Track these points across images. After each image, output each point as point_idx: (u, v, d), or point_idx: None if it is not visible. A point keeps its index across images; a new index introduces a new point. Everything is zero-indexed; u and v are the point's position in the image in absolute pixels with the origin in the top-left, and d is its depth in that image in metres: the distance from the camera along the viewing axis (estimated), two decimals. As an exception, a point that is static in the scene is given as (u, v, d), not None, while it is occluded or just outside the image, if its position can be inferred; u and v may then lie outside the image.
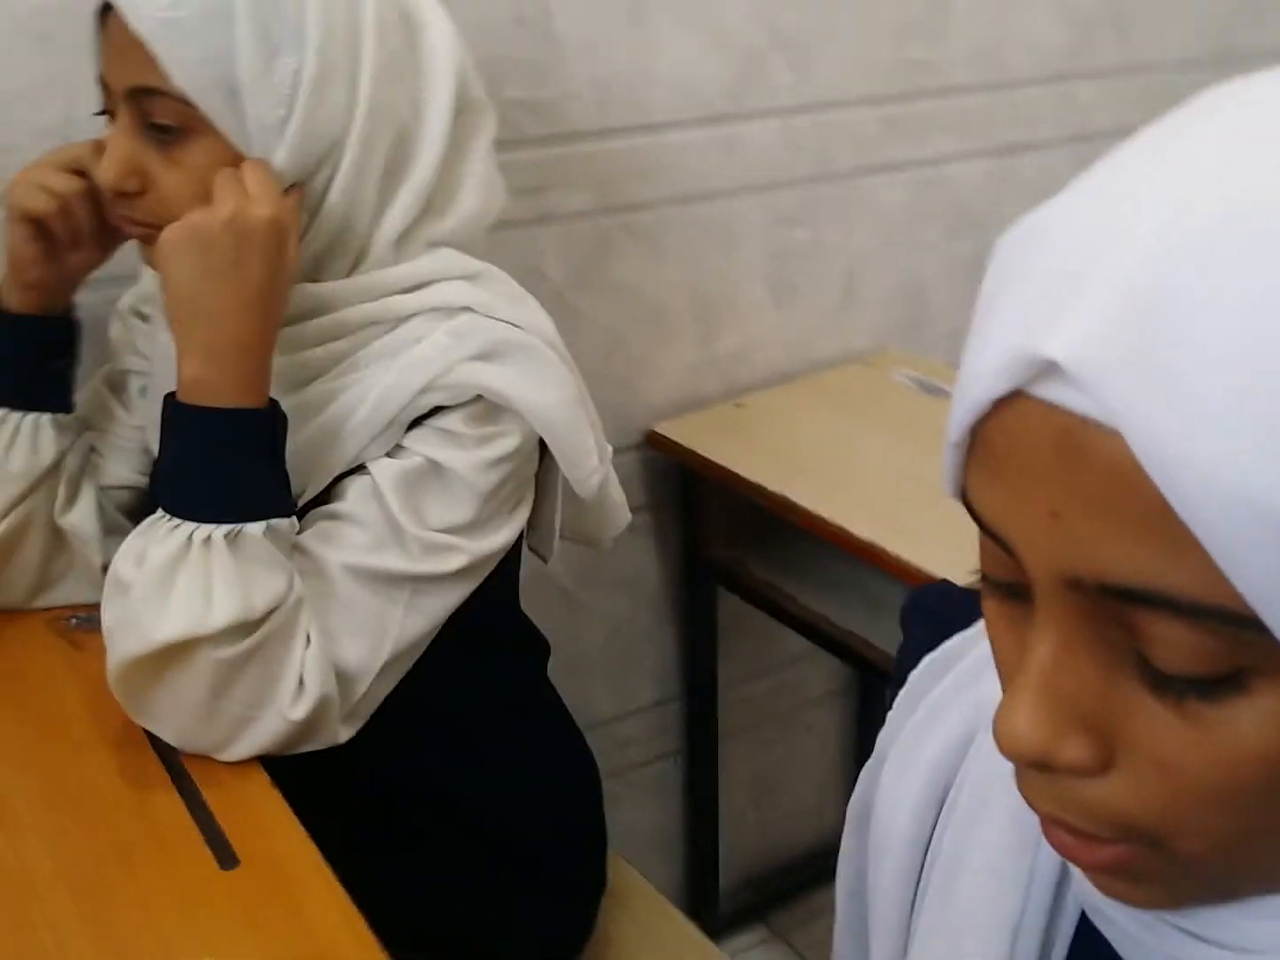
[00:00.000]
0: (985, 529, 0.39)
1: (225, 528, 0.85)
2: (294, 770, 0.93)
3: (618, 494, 1.13)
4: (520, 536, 1.08)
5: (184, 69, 0.85)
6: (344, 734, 0.93)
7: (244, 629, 0.85)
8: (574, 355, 1.03)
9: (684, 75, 1.43)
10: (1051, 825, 0.41)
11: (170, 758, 0.91)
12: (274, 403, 0.90)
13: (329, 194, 0.92)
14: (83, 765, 0.91)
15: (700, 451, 1.45)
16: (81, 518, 1.06)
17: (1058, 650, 0.37)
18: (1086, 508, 0.34)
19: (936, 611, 0.61)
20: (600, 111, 1.38)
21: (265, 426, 0.89)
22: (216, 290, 0.86)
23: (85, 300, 1.05)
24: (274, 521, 0.87)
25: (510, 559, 1.06)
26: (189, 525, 0.85)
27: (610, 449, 1.08)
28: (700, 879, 1.85)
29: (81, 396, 1.09)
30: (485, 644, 1.07)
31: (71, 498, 1.07)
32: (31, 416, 1.02)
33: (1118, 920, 0.45)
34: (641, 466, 1.56)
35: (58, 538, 1.06)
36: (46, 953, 0.75)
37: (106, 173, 0.91)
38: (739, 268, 1.55)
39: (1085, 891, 0.46)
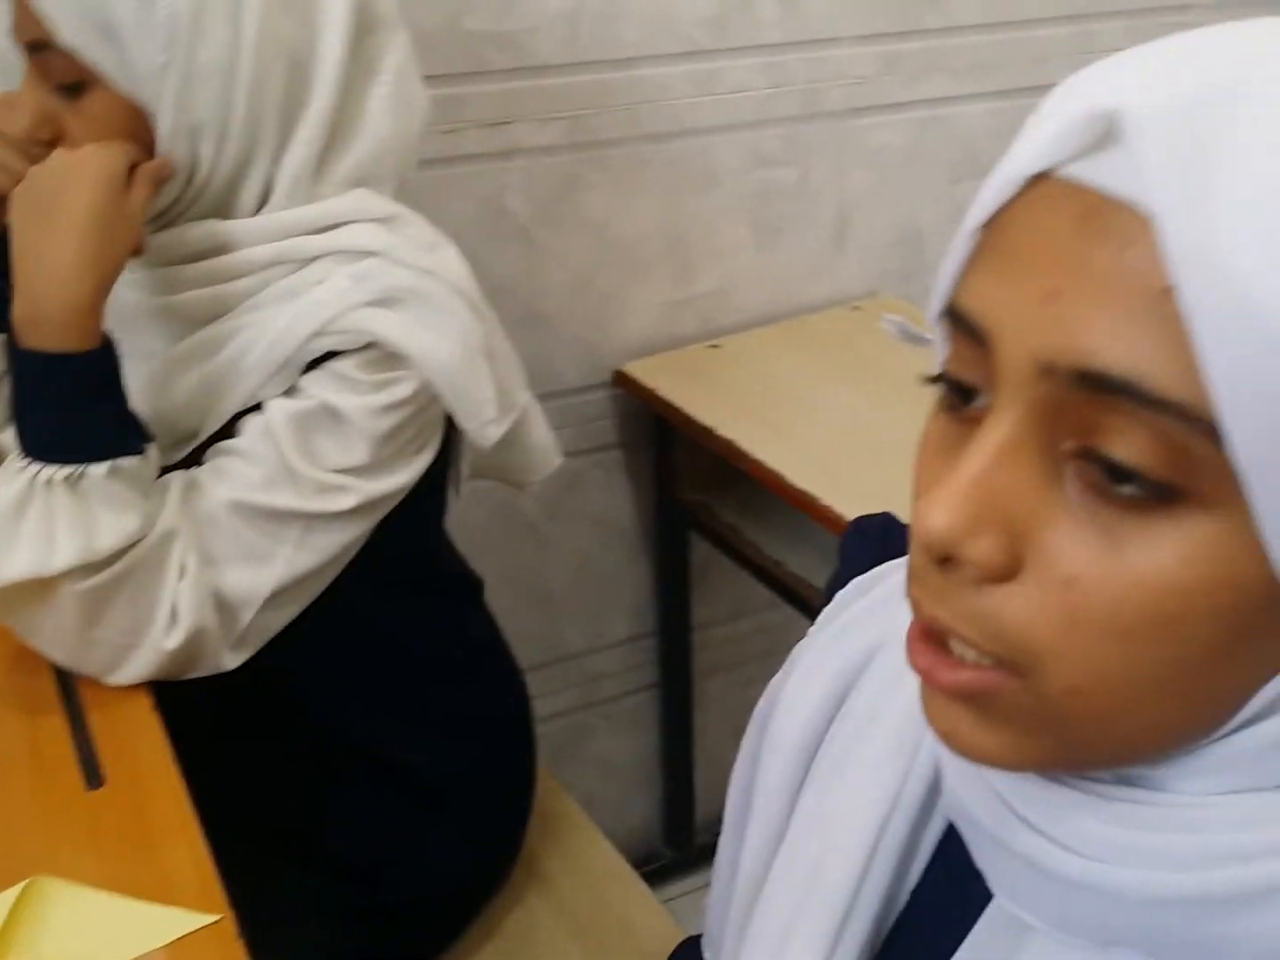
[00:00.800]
0: (966, 323, 0.40)
1: (67, 469, 0.86)
2: (211, 697, 0.96)
3: (542, 438, 1.14)
4: (443, 478, 1.10)
5: (65, 22, 0.86)
6: (230, 661, 0.95)
7: (92, 568, 0.87)
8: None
9: (659, 8, 1.40)
10: (920, 642, 0.41)
11: (66, 678, 0.94)
12: (106, 344, 0.90)
13: (226, 131, 0.92)
14: (-16, 679, 0.95)
15: (660, 393, 1.45)
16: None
17: (1002, 445, 0.38)
18: (1089, 288, 0.36)
19: (874, 540, 0.62)
20: (568, 44, 1.36)
21: (92, 370, 0.89)
22: (33, 230, 0.88)
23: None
24: (119, 462, 0.88)
25: (425, 501, 1.07)
26: (35, 466, 0.87)
27: (524, 398, 1.08)
28: (676, 810, 1.88)
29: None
30: (398, 586, 1.09)
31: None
32: None
33: (973, 814, 0.45)
34: (612, 404, 1.56)
35: (-6, 455, 1.10)
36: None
37: (20, 123, 0.92)
38: (718, 207, 1.53)
39: (950, 797, 0.47)
